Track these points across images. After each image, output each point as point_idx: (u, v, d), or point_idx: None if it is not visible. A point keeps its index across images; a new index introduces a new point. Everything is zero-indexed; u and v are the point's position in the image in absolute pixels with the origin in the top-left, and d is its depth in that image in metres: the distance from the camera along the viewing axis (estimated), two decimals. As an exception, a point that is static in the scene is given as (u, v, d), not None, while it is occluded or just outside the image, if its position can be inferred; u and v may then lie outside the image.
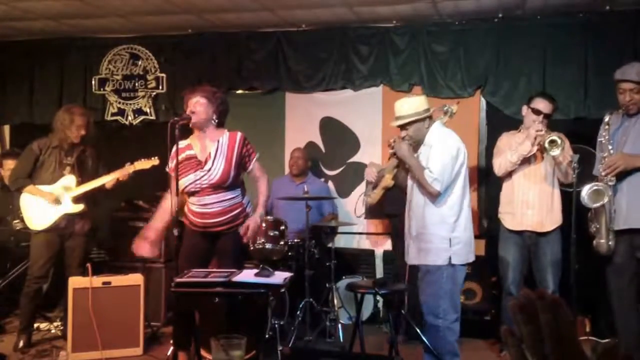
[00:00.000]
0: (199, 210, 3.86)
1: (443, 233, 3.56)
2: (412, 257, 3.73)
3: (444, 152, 3.54)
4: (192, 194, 3.85)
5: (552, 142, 3.92)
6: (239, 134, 3.96)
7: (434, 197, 3.55)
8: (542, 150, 4.09)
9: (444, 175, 3.50)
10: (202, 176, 3.81)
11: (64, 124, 4.53)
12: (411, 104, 3.66)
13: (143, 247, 3.88)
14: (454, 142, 3.59)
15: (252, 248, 4.60)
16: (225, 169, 3.83)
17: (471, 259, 3.68)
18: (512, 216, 4.25)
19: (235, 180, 3.90)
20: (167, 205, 3.71)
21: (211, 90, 3.94)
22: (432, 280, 3.59)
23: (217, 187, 3.84)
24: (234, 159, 3.88)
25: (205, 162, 3.84)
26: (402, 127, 3.67)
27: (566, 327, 0.76)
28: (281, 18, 5.41)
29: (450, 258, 3.55)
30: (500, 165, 4.25)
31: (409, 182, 3.79)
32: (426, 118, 3.64)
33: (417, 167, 3.60)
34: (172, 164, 3.82)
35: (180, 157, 3.77)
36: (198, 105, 3.83)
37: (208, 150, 3.88)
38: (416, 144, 3.68)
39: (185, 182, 3.79)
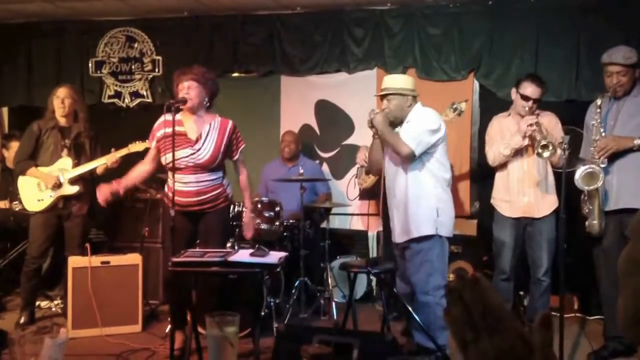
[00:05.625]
0: (182, 189, 3.84)
1: (430, 203, 3.66)
2: (398, 233, 3.80)
3: (422, 121, 3.66)
4: (176, 170, 3.79)
5: (544, 146, 3.93)
6: (230, 122, 4.02)
7: (407, 158, 3.63)
8: (534, 148, 4.12)
9: (421, 139, 3.61)
10: (191, 154, 3.84)
11: (50, 102, 4.65)
12: (399, 79, 3.80)
13: (102, 191, 3.99)
14: (435, 118, 3.71)
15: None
16: (214, 152, 3.88)
17: (452, 234, 3.79)
18: (508, 204, 4.30)
19: (219, 164, 3.97)
20: (141, 168, 4.04)
21: (201, 71, 3.95)
22: (424, 259, 3.67)
23: (202, 168, 3.88)
24: (223, 144, 3.93)
25: (196, 141, 3.88)
26: (385, 98, 3.77)
27: (488, 299, 0.86)
28: (276, 1, 5.43)
29: (437, 229, 3.65)
30: (493, 157, 4.30)
31: (387, 161, 3.87)
32: (409, 97, 3.73)
33: (390, 133, 3.69)
34: (153, 143, 3.96)
35: (168, 131, 3.77)
36: (191, 90, 3.86)
37: (199, 130, 3.92)
38: (397, 120, 3.76)
39: (171, 157, 3.75)
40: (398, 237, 3.82)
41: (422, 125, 3.65)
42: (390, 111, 3.74)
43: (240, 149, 4.06)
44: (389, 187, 3.88)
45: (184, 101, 3.84)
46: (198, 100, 3.91)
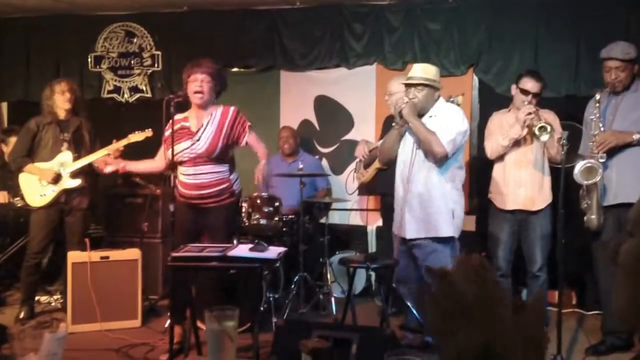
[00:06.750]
0: (185, 180, 3.89)
1: (449, 205, 3.67)
2: (411, 230, 3.76)
3: (455, 122, 3.66)
4: (180, 162, 3.87)
5: (541, 128, 3.94)
6: (232, 108, 4.00)
7: (440, 159, 3.62)
8: (532, 135, 4.13)
9: (456, 142, 3.62)
10: (191, 145, 3.86)
11: (47, 96, 4.64)
12: (431, 70, 3.76)
13: (107, 160, 4.19)
14: (464, 118, 3.74)
15: (247, 224, 4.69)
16: (213, 141, 3.87)
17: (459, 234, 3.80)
18: (504, 196, 4.31)
19: (223, 153, 3.94)
20: (151, 163, 4.13)
21: (215, 67, 3.97)
22: (439, 258, 3.66)
23: (205, 158, 3.88)
24: (223, 131, 3.91)
25: (197, 132, 3.89)
26: (411, 87, 3.71)
27: (458, 293, 0.88)
28: (276, -4, 5.43)
29: (453, 230, 3.67)
30: (492, 149, 4.30)
31: (403, 154, 3.84)
32: (437, 90, 3.73)
33: (425, 129, 3.63)
34: (167, 133, 3.93)
35: (175, 127, 3.81)
36: (204, 84, 3.87)
37: (202, 121, 3.93)
38: (421, 112, 3.72)
39: (175, 149, 3.79)
40: (408, 232, 3.78)
41: (456, 127, 3.64)
42: (419, 101, 3.70)
43: (246, 134, 3.97)
44: (400, 180, 3.84)
45: (184, 96, 3.85)
46: (210, 94, 3.93)
